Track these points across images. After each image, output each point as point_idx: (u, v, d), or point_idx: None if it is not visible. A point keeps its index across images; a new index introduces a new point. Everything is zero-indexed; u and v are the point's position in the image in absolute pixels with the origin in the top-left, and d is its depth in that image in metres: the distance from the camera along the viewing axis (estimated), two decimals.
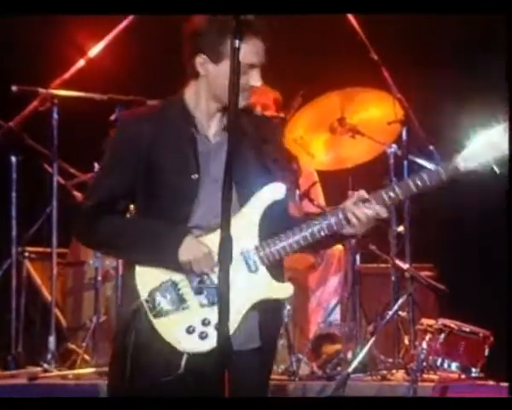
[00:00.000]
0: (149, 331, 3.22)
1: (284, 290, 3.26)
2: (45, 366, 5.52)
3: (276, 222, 3.25)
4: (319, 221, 3.21)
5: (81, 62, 6.13)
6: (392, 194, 3.17)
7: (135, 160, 3.29)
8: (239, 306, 3.18)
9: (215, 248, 3.11)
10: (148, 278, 3.25)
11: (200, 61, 3.30)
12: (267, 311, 3.26)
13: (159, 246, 3.23)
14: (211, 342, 3.16)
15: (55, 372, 5.48)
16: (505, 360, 5.23)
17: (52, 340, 5.58)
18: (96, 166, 5.94)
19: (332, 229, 3.21)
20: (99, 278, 5.91)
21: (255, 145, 3.26)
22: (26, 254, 6.17)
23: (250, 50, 3.22)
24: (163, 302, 3.23)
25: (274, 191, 3.23)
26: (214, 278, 3.20)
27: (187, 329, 3.22)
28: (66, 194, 6.07)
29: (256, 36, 3.23)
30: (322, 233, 3.21)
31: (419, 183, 3.15)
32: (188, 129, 3.31)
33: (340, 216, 3.20)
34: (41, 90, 5.76)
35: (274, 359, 3.43)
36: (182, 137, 3.30)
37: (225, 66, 3.21)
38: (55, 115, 5.70)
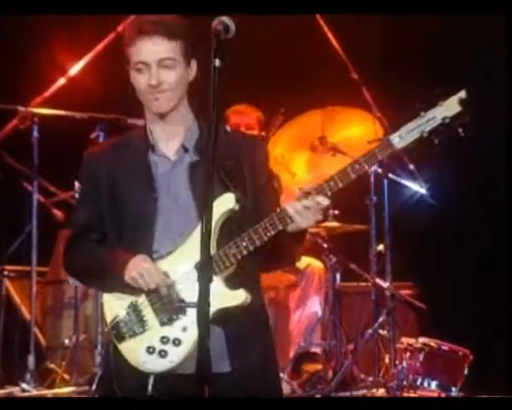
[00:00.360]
0: (120, 357, 3.27)
1: (236, 298, 3.21)
2: (24, 385, 5.50)
3: (238, 232, 3.24)
4: (264, 222, 3.20)
5: (62, 81, 6.17)
6: (332, 183, 3.16)
7: (98, 194, 3.36)
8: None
9: (170, 268, 3.23)
10: (112, 305, 3.31)
11: (126, 68, 3.36)
12: (236, 332, 3.25)
13: (111, 270, 3.28)
14: (171, 360, 3.21)
15: (34, 392, 5.45)
16: (483, 378, 5.29)
17: (31, 359, 5.55)
18: (77, 184, 5.98)
19: (276, 227, 3.18)
20: (78, 296, 5.93)
21: (220, 162, 3.16)
22: (6, 272, 6.14)
23: (139, 50, 3.25)
24: (125, 327, 3.28)
25: (224, 202, 3.22)
26: (173, 294, 3.23)
27: (147, 349, 3.25)
28: (45, 212, 6.08)
29: (146, 34, 3.25)
30: (268, 233, 3.18)
31: (357, 166, 3.16)
32: (145, 152, 3.35)
33: (282, 213, 3.18)
34: (21, 108, 5.76)
35: (258, 385, 3.31)
36: (139, 161, 3.35)
37: (130, 69, 3.29)
38: (35, 133, 5.70)
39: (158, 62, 3.27)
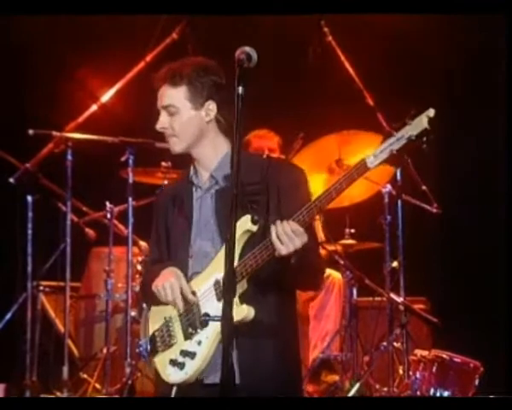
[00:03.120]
0: (155, 369, 3.51)
1: (238, 313, 3.24)
2: (58, 394, 5.70)
3: None
4: (264, 242, 3.31)
5: (94, 107, 6.40)
6: (318, 202, 3.27)
7: (158, 227, 3.64)
8: (211, 337, 3.38)
9: (196, 288, 3.43)
10: (152, 321, 3.55)
11: None
12: (247, 346, 3.37)
13: (150, 283, 3.52)
14: (186, 371, 3.40)
15: None
16: (493, 389, 5.41)
17: (65, 369, 5.71)
18: (108, 204, 6.25)
19: (268, 249, 3.29)
20: (109, 310, 6.11)
21: (244, 187, 3.34)
22: (41, 288, 6.35)
23: (158, 98, 3.54)
24: (159, 341, 3.50)
25: (242, 224, 3.32)
26: (195, 310, 3.42)
27: (170, 361, 3.45)
28: (78, 231, 6.28)
29: (160, 84, 3.52)
30: (265, 253, 3.30)
31: (338, 186, 3.28)
32: (188, 185, 3.61)
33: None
34: (56, 133, 5.95)
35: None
36: (183, 193, 3.60)
37: None
38: (69, 157, 5.87)
39: (164, 109, 3.53)
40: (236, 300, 3.30)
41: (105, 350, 5.97)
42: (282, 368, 3.46)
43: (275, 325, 3.44)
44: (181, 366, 3.41)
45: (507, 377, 5.67)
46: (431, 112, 3.28)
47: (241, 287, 3.36)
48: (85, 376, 6.14)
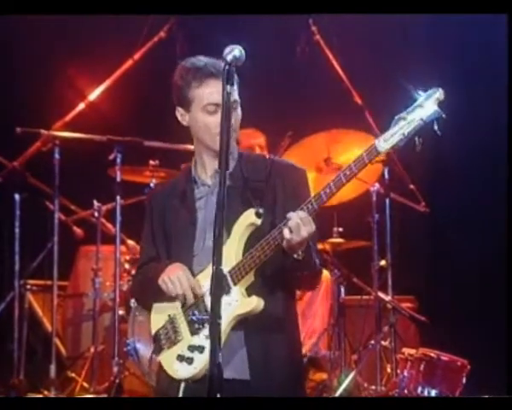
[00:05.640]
0: (161, 367, 3.49)
1: (247, 305, 3.33)
2: (46, 393, 5.71)
3: None
4: (270, 233, 3.32)
5: (81, 105, 6.43)
6: (327, 190, 3.26)
7: (153, 228, 3.60)
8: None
9: (202, 283, 3.42)
10: (156, 319, 3.52)
11: (178, 113, 3.55)
12: (258, 342, 3.39)
13: (154, 279, 3.47)
14: (195, 366, 3.38)
15: None
16: (480, 387, 5.45)
17: (53, 368, 5.73)
18: (95, 203, 6.24)
19: (276, 239, 3.29)
20: (97, 309, 6.11)
21: (248, 184, 3.43)
22: (28, 286, 6.36)
23: (211, 92, 3.43)
24: (164, 339, 3.48)
25: (246, 217, 3.36)
26: (203, 305, 3.41)
27: (177, 357, 3.43)
28: (66, 229, 6.31)
29: (216, 78, 3.41)
30: (272, 243, 3.29)
31: (348, 172, 3.28)
32: (188, 185, 3.56)
33: (279, 228, 3.29)
34: (43, 131, 5.97)
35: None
36: (183, 193, 3.56)
37: (195, 110, 3.47)
38: (57, 155, 5.88)
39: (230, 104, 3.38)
40: (243, 291, 3.34)
41: (92, 349, 5.99)
42: (290, 362, 3.48)
43: (282, 319, 3.47)
44: (189, 360, 3.40)
45: (495, 376, 5.70)
46: (441, 94, 3.27)
47: (249, 279, 3.38)
48: (73, 375, 6.17)
